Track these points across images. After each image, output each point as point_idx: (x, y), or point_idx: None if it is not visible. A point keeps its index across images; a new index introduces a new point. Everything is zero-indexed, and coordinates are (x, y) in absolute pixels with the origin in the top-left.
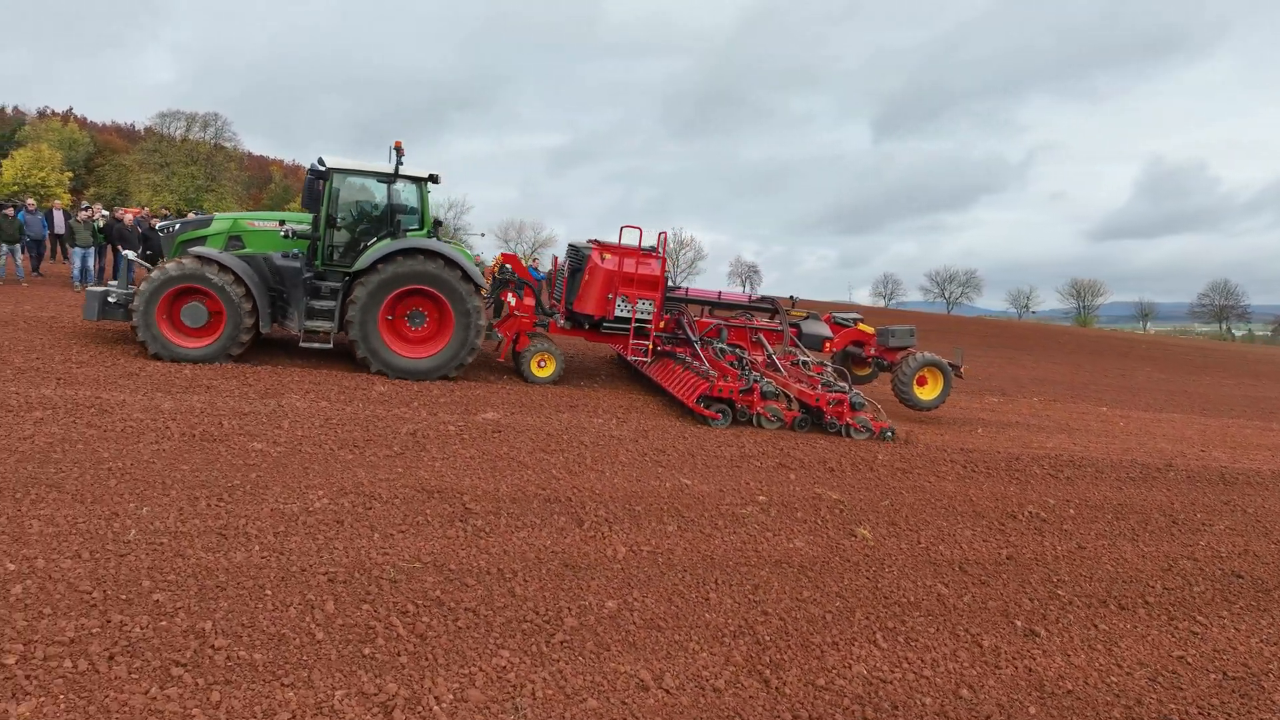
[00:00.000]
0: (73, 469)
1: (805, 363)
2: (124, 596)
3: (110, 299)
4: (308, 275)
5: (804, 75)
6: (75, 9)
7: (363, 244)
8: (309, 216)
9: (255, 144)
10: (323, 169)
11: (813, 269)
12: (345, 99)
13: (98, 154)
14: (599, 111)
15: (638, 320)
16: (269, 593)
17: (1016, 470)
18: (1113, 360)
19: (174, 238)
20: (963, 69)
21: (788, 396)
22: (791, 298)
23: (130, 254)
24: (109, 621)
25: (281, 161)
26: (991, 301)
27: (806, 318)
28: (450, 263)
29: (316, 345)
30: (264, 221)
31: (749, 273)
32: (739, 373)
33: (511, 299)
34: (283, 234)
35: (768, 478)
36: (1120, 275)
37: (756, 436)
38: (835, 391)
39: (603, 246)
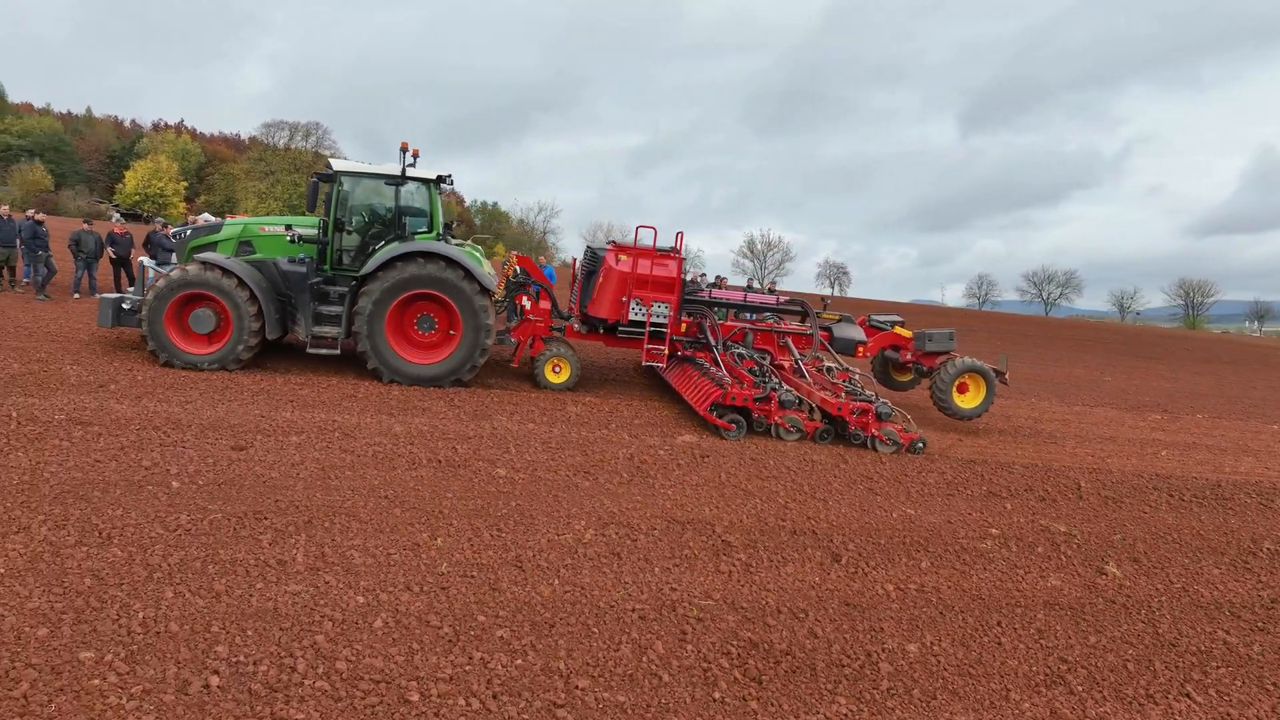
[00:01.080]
0: (355, 496)
1: (830, 369)
2: (471, 632)
3: (125, 306)
4: (314, 280)
5: (888, 70)
6: (183, 23)
7: (372, 248)
8: (316, 220)
9: (347, 149)
10: (329, 173)
11: (892, 267)
12: (431, 103)
13: (207, 163)
14: (679, 111)
15: (653, 324)
16: (595, 630)
17: (1225, 499)
18: (1254, 370)
19: (186, 243)
20: (1057, 60)
21: (811, 406)
22: (824, 299)
23: (147, 260)
24: (471, 658)
25: None
26: (1090, 302)
27: (840, 320)
28: (457, 266)
29: (324, 351)
30: (274, 226)
31: (837, 274)
32: (755, 379)
33: (526, 302)
34: (289, 239)
35: (984, 506)
36: (1225, 272)
37: (954, 462)
38: (860, 400)
39: (619, 248)
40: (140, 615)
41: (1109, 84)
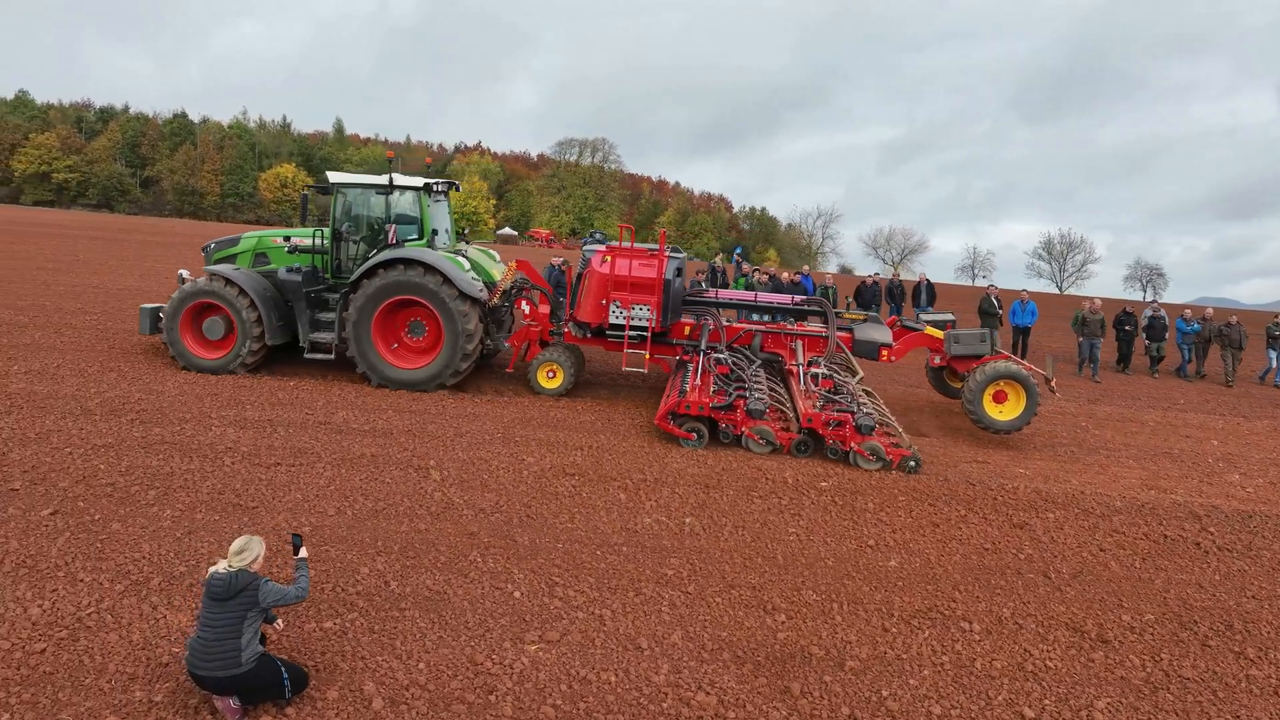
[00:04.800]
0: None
1: (815, 374)
2: None
3: (160, 315)
4: (308, 289)
5: (1190, 39)
6: (463, 49)
7: (368, 256)
8: (311, 231)
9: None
10: (324, 185)
11: (1177, 261)
12: (686, 107)
13: (505, 181)
14: (938, 100)
15: (633, 327)
16: None
17: None
18: None
19: (211, 256)
20: None
21: (796, 415)
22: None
23: (185, 272)
24: None
25: (649, 178)
26: None
27: (864, 321)
28: (435, 272)
29: (319, 356)
30: (283, 238)
31: (1150, 275)
32: (719, 385)
33: (525, 307)
34: (287, 249)
35: None
36: None
37: None
38: (839, 410)
39: (610, 249)
40: None
41: None
